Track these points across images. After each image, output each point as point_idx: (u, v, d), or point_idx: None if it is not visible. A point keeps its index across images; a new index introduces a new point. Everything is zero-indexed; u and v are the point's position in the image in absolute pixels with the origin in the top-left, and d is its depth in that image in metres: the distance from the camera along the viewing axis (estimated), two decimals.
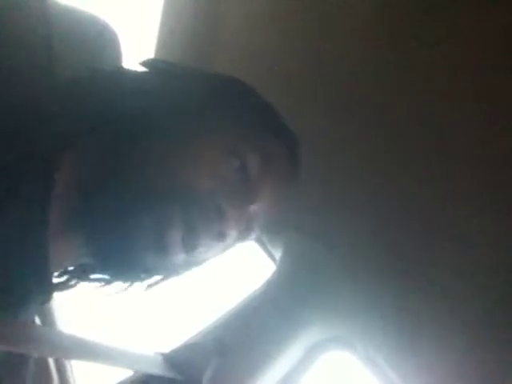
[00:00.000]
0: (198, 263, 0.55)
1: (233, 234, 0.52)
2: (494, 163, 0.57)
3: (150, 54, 0.97)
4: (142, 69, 0.57)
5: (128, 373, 0.62)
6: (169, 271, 0.55)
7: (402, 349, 0.66)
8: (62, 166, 0.46)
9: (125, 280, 0.55)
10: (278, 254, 0.82)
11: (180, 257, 0.50)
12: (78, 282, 0.55)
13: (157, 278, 0.57)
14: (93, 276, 0.54)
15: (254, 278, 0.85)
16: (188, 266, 0.55)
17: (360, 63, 0.68)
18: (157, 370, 0.54)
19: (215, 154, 0.51)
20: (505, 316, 0.57)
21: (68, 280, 0.54)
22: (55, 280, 0.53)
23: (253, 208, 0.54)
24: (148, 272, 0.53)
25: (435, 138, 0.62)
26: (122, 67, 0.60)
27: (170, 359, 0.56)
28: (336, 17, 0.70)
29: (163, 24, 0.96)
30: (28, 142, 0.44)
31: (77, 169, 0.48)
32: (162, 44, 0.97)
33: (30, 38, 0.46)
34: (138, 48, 0.94)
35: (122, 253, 0.47)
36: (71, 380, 1.15)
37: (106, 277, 0.54)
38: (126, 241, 0.46)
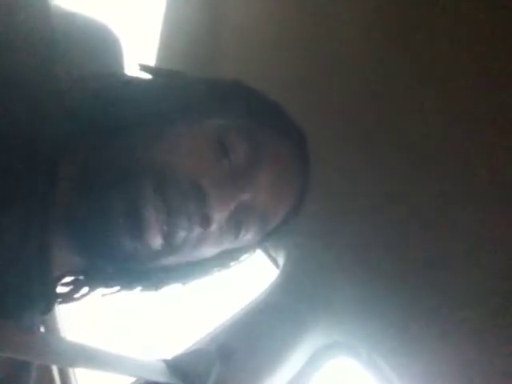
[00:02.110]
0: (185, 255, 0.52)
1: (219, 220, 0.50)
2: (500, 163, 0.57)
3: (151, 56, 0.98)
4: (144, 74, 0.57)
5: (131, 380, 0.62)
6: (156, 268, 0.53)
7: (405, 354, 0.66)
8: (61, 168, 0.46)
9: (117, 283, 0.55)
10: (280, 259, 0.82)
11: (159, 241, 0.47)
12: (82, 296, 0.55)
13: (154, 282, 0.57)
14: (90, 283, 0.54)
15: (257, 284, 0.84)
16: (174, 259, 0.52)
17: (362, 61, 0.68)
18: (160, 377, 0.53)
19: (199, 140, 0.51)
20: (509, 319, 0.56)
21: (71, 291, 0.54)
22: (58, 289, 0.53)
23: (244, 198, 0.52)
24: (130, 261, 0.50)
25: (439, 137, 0.61)
26: (123, 73, 0.60)
27: (173, 366, 0.56)
28: (338, 15, 0.70)
29: (165, 26, 0.97)
30: (28, 144, 0.44)
31: (73, 169, 0.48)
32: (164, 45, 0.97)
33: (33, 40, 0.46)
34: (140, 51, 0.95)
35: (99, 239, 0.46)
36: None
37: (99, 282, 0.54)
38: (102, 225, 0.45)
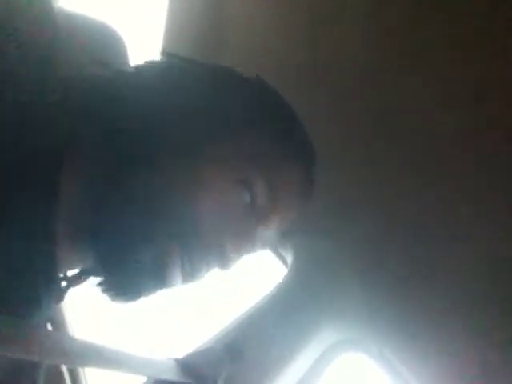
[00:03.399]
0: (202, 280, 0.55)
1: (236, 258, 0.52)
2: (497, 163, 0.56)
3: (154, 54, 0.97)
4: (155, 64, 0.55)
5: (141, 379, 0.62)
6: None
7: (416, 349, 0.66)
8: (64, 171, 0.45)
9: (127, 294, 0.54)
10: (289, 257, 0.81)
11: (180, 282, 0.50)
12: (86, 278, 0.55)
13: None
14: (98, 279, 0.54)
15: (265, 282, 0.84)
16: (192, 282, 0.54)
17: (362, 59, 0.68)
18: (170, 375, 0.53)
19: (224, 185, 0.49)
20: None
21: (76, 279, 0.54)
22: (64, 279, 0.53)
23: (258, 232, 0.52)
24: (148, 291, 0.52)
25: (439, 137, 0.61)
26: (129, 67, 0.58)
27: (184, 365, 0.56)
28: (339, 14, 0.70)
29: (169, 23, 0.97)
30: (31, 145, 0.43)
31: (80, 179, 0.47)
32: (168, 44, 0.97)
33: (37, 40, 0.46)
34: (143, 49, 0.94)
35: (122, 275, 0.47)
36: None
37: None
38: (125, 267, 0.46)
